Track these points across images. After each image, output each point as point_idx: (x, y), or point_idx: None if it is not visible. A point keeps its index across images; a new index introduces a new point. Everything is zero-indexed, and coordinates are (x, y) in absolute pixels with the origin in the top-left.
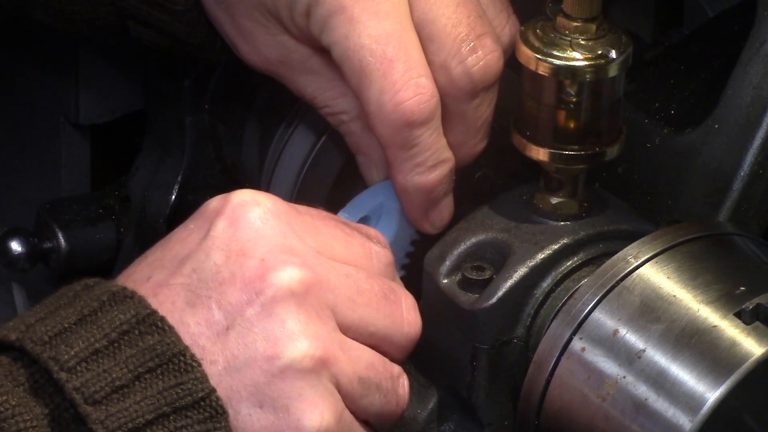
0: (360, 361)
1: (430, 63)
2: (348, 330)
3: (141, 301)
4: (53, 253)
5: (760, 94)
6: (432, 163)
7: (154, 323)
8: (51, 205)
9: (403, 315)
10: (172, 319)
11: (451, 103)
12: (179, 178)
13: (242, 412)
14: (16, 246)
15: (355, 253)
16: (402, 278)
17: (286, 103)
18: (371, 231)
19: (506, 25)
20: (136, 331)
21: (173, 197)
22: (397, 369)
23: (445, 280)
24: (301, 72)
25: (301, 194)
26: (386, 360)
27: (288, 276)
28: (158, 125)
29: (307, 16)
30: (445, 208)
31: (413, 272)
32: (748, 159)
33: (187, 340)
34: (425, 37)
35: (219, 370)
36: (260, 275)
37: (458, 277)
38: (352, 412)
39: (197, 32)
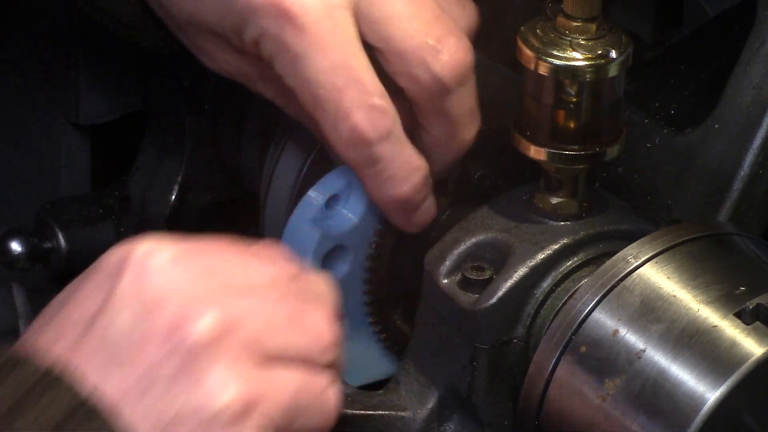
0: (286, 391)
1: (398, 75)
2: (271, 359)
3: (71, 388)
4: (53, 253)
5: (760, 94)
6: (403, 174)
7: (90, 410)
8: (51, 205)
9: (316, 328)
10: (90, 385)
11: (428, 105)
12: (179, 178)
13: None
14: (16, 246)
15: (259, 281)
16: (371, 256)
17: None
18: (270, 248)
19: (463, 14)
20: (72, 423)
21: (173, 197)
22: (323, 382)
23: (445, 280)
24: (259, 80)
25: (301, 194)
26: (313, 377)
27: (202, 325)
28: (158, 125)
29: (257, 47)
30: (428, 209)
31: (383, 250)
32: (748, 159)
33: (107, 404)
34: (387, 53)
35: (147, 430)
36: (173, 330)
37: (458, 277)
38: None
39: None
